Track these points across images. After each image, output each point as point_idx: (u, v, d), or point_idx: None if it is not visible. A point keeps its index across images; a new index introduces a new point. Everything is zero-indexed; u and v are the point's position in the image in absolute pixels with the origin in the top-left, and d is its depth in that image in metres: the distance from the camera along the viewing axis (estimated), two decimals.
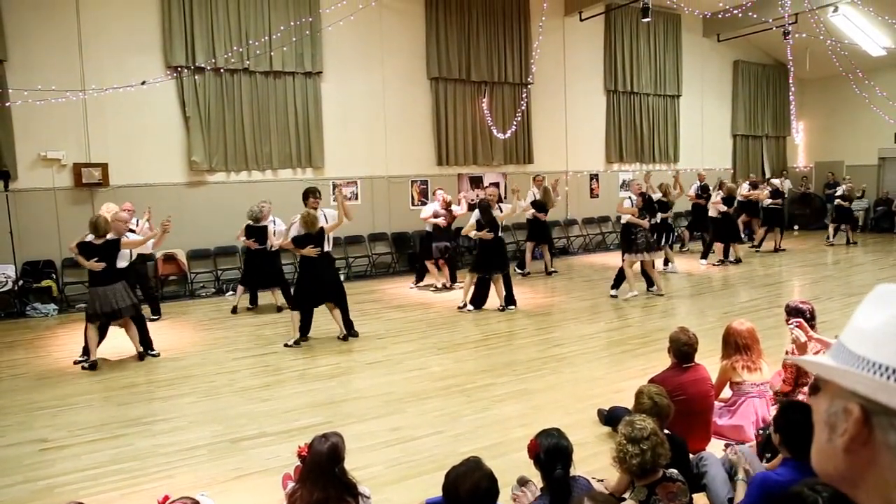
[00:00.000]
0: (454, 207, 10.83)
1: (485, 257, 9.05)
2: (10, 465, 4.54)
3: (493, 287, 9.19)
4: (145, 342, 7.25)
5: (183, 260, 10.94)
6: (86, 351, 7.03)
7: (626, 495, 2.91)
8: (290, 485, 3.44)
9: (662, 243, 11.62)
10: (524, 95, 14.09)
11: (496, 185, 14.24)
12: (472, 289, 9.17)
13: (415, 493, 3.69)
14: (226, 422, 5.24)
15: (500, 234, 9.11)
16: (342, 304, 7.77)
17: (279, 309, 9.39)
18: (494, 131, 13.90)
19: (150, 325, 7.65)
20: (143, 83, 9.99)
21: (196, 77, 10.96)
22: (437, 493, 3.03)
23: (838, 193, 15.39)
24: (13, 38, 9.68)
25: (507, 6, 14.08)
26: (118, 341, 7.93)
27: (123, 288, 6.92)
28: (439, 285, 10.73)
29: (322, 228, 7.52)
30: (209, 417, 5.35)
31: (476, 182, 14.15)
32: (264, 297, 9.83)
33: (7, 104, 9.46)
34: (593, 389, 5.78)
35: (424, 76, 13.34)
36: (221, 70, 11.11)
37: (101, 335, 7.10)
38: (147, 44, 10.64)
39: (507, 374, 6.29)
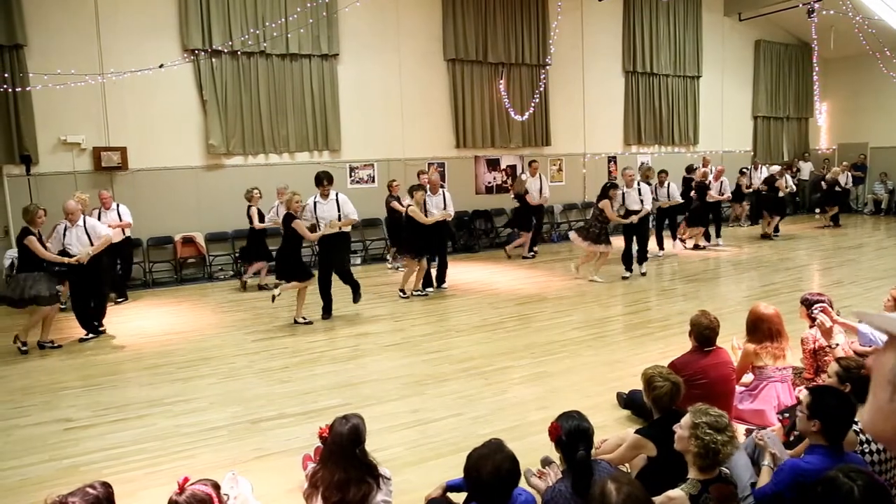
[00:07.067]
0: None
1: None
2: (36, 443, 4.62)
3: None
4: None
5: (201, 243, 11.02)
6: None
7: (682, 486, 2.74)
8: (311, 465, 3.47)
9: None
10: (542, 77, 13.93)
11: (513, 167, 14.21)
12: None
13: (434, 475, 3.70)
14: (245, 403, 5.29)
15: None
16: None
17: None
18: (512, 113, 13.78)
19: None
20: (161, 66, 10.00)
21: (213, 60, 10.95)
22: (457, 474, 3.03)
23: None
24: (32, 23, 9.72)
25: None
26: (139, 323, 8.04)
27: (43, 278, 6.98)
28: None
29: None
30: (229, 398, 5.40)
31: (493, 164, 14.07)
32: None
33: (27, 88, 9.54)
34: (612, 372, 5.75)
35: (441, 58, 13.23)
36: (238, 53, 11.09)
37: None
38: (164, 27, 10.64)
39: (525, 357, 6.28)
